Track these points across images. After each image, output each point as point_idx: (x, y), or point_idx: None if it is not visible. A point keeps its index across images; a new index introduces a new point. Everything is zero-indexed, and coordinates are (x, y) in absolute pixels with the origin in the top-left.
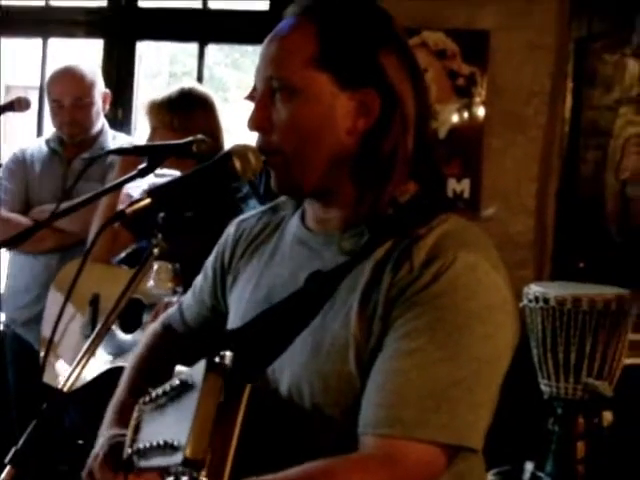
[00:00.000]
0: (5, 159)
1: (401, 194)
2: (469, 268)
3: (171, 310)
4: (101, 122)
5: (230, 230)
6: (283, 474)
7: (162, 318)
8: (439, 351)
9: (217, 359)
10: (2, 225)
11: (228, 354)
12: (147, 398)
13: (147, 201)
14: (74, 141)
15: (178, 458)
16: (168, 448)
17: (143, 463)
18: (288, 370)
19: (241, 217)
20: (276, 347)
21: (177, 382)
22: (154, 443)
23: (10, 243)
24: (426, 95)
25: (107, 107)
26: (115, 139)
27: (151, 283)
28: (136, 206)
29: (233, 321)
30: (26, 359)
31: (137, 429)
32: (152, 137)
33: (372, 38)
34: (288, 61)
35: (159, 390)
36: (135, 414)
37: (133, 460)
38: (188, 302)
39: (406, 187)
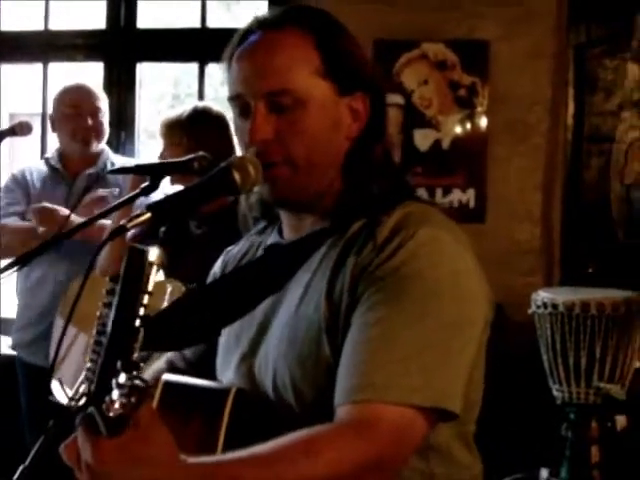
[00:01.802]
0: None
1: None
2: (430, 239)
3: None
4: (104, 141)
5: (218, 261)
6: (254, 452)
7: (165, 357)
8: (405, 317)
9: (138, 246)
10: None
11: (153, 248)
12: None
13: (147, 215)
14: (85, 152)
15: (106, 342)
16: (103, 337)
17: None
18: (271, 364)
19: (229, 247)
20: (236, 310)
21: (108, 281)
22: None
23: (26, 259)
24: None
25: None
26: (115, 159)
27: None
28: (136, 220)
29: (224, 340)
30: (37, 382)
31: None
32: (162, 155)
33: (356, 44)
34: (294, 72)
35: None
36: None
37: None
38: None
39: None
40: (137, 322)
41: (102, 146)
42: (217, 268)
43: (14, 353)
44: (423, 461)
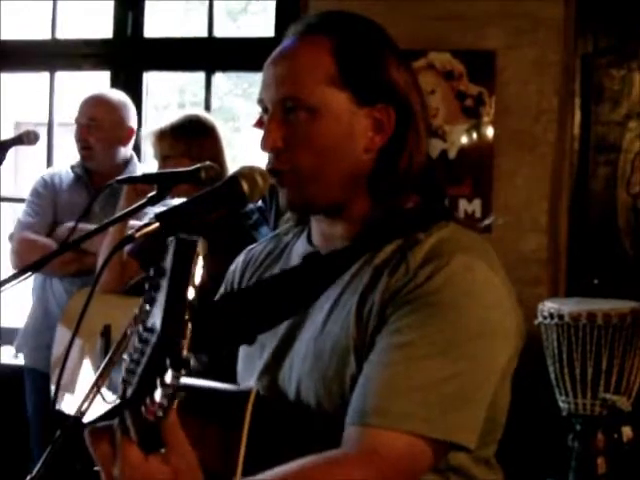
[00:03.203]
0: (22, 189)
1: (404, 203)
2: (464, 268)
3: None
4: (124, 154)
5: (239, 259)
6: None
7: None
8: (430, 346)
9: (186, 237)
10: (28, 247)
11: (200, 240)
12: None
13: (156, 225)
14: (88, 166)
15: (154, 338)
16: (148, 333)
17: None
18: (295, 378)
19: (250, 246)
20: (269, 319)
21: (151, 273)
22: (137, 342)
23: (33, 267)
24: (427, 108)
25: (131, 142)
26: (142, 169)
27: None
28: (145, 230)
29: (246, 348)
30: (44, 391)
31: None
32: (164, 166)
33: (382, 53)
34: (306, 81)
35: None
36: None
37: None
38: None
39: (409, 197)
40: (186, 316)
41: (126, 158)
42: (238, 265)
43: (15, 363)
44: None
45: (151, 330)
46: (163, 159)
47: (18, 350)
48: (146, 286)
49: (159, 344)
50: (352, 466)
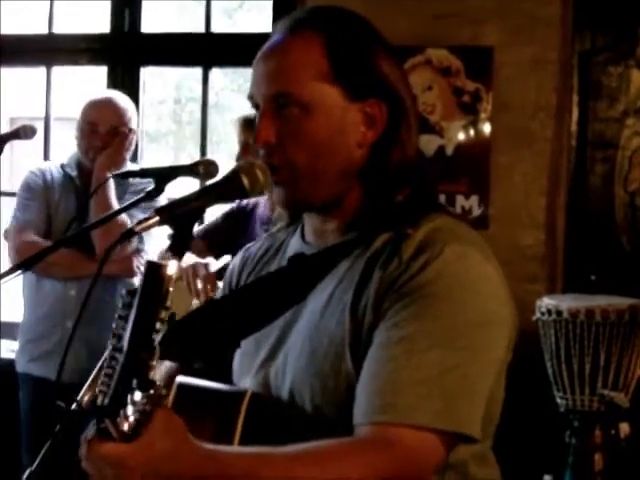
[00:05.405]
0: (16, 184)
1: (395, 196)
2: (458, 257)
3: None
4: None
5: (237, 258)
6: (271, 452)
7: None
8: (429, 338)
9: (156, 260)
10: (31, 250)
11: (172, 261)
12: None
13: (155, 219)
14: (90, 165)
15: (122, 359)
16: (118, 352)
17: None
18: (289, 374)
19: (248, 245)
20: (258, 320)
21: (125, 294)
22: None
23: (30, 263)
24: (416, 102)
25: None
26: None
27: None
28: (144, 224)
29: (243, 345)
30: (43, 398)
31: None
32: (243, 153)
33: (372, 48)
34: (298, 76)
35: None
36: None
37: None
38: None
39: (401, 190)
40: (155, 338)
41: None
42: (236, 265)
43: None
44: (439, 478)
45: (120, 350)
46: (244, 146)
47: (18, 362)
48: (120, 304)
49: (126, 366)
50: (368, 452)
